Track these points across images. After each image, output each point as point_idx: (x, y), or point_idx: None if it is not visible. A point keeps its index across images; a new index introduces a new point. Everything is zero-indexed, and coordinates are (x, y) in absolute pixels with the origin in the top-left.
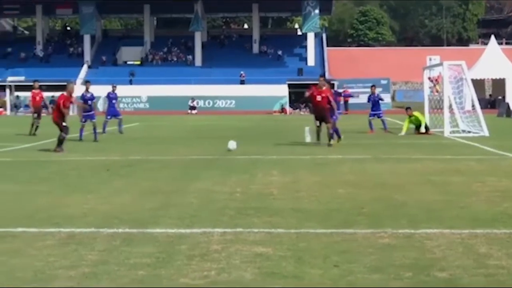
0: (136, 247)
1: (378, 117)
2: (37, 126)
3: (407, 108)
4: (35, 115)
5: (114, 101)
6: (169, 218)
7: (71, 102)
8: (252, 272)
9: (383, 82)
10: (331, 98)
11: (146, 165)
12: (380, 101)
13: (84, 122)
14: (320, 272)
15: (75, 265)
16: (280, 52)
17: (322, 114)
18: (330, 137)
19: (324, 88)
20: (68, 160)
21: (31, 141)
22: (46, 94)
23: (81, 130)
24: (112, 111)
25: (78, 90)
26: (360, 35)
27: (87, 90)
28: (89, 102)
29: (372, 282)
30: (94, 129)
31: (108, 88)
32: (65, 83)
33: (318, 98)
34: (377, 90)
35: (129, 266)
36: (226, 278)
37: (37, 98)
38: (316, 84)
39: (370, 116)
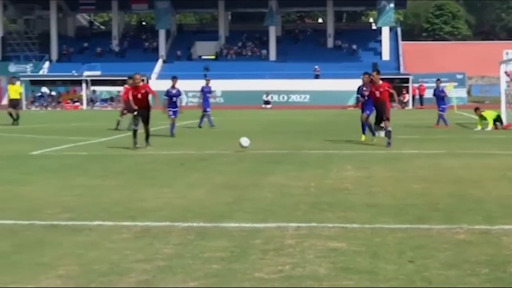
0: (210, 241)
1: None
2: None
3: (476, 109)
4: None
5: (208, 94)
6: (243, 212)
7: (143, 94)
8: (327, 267)
9: (459, 76)
10: (391, 90)
11: (221, 160)
12: (442, 95)
13: (174, 116)
14: (395, 268)
15: (150, 259)
16: (354, 47)
17: (383, 109)
18: (387, 136)
19: (380, 82)
20: (143, 154)
21: (107, 135)
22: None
23: (172, 126)
24: (207, 104)
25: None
26: (435, 29)
27: (173, 86)
28: (174, 98)
29: (447, 278)
30: (173, 125)
31: (184, 83)
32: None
33: (377, 93)
34: (453, 85)
35: (204, 260)
36: (300, 273)
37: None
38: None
39: (440, 111)
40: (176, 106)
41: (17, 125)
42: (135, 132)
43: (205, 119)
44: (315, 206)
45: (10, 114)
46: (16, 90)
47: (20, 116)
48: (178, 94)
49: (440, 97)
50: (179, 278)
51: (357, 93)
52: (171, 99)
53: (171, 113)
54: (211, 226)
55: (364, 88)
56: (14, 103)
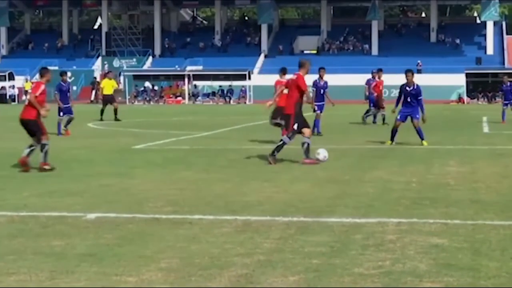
0: (311, 236)
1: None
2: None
3: None
4: None
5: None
6: (344, 207)
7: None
8: (427, 263)
9: None
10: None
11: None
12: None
13: (320, 112)
14: (498, 265)
15: (250, 253)
16: (458, 41)
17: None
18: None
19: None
20: (245, 149)
21: (209, 129)
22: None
23: (317, 122)
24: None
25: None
26: None
27: (321, 77)
28: (322, 91)
29: None
30: (317, 121)
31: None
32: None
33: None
34: None
35: (304, 255)
36: (400, 269)
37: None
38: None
39: (503, 106)
40: (323, 100)
41: (119, 120)
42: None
43: None
44: (417, 202)
45: (102, 112)
46: (111, 85)
47: (118, 111)
48: (326, 86)
49: (508, 92)
50: (279, 272)
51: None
52: (319, 91)
53: (316, 107)
54: (311, 221)
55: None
56: (108, 99)
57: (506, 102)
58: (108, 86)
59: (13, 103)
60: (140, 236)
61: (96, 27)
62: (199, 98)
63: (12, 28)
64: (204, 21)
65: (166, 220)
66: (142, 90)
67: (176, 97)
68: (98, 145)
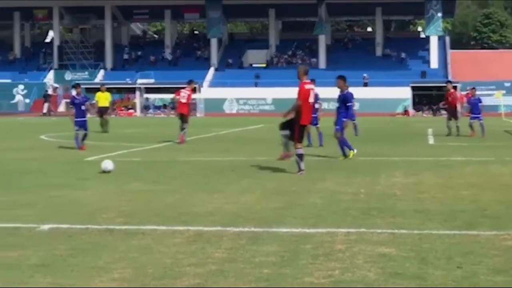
0: (261, 246)
1: (479, 120)
2: None
3: None
4: None
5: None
6: (293, 217)
7: None
8: (376, 272)
9: (507, 84)
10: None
11: (271, 166)
12: (479, 104)
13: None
14: (443, 273)
15: (202, 263)
16: (403, 55)
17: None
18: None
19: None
20: (194, 161)
21: (160, 141)
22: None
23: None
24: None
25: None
26: (483, 38)
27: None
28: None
29: (495, 284)
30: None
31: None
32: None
33: None
34: (502, 93)
35: (255, 264)
36: (350, 278)
37: None
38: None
39: (471, 120)
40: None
41: (107, 132)
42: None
43: None
44: (365, 212)
45: (102, 124)
46: (105, 98)
47: (109, 123)
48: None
49: (475, 105)
50: (230, 282)
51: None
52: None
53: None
54: (262, 231)
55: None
56: (103, 111)
57: (474, 116)
58: (102, 99)
59: None
60: (93, 247)
61: (48, 40)
62: (151, 110)
63: None
64: (154, 35)
65: (119, 231)
66: (93, 103)
67: (128, 109)
68: (50, 157)
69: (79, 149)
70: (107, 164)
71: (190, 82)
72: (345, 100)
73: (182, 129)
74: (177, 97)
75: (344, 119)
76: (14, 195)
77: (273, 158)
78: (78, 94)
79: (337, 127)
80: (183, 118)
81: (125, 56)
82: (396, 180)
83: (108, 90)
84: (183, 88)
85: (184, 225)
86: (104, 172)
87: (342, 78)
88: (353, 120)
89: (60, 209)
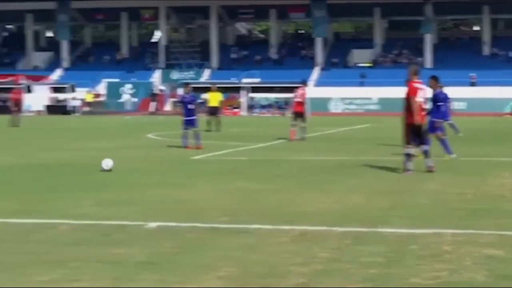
0: (367, 246)
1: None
2: None
3: None
4: None
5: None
6: (399, 218)
7: None
8: (484, 274)
9: None
10: None
11: (377, 165)
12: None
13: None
14: None
15: (307, 262)
16: (511, 54)
17: None
18: None
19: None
20: (300, 160)
21: (266, 140)
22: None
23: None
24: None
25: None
26: None
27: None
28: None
29: None
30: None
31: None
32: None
33: None
34: None
35: (361, 265)
36: (457, 279)
37: None
38: None
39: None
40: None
41: (219, 131)
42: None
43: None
44: (472, 213)
45: (210, 124)
46: (216, 98)
47: (221, 123)
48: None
49: None
50: (336, 281)
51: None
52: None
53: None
54: (367, 231)
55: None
56: (213, 111)
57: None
58: (213, 99)
59: (75, 114)
60: (199, 245)
61: (154, 40)
62: (256, 110)
63: (73, 42)
64: (260, 35)
65: (224, 229)
66: (200, 102)
67: (234, 108)
68: (157, 156)
69: (185, 148)
70: (107, 163)
71: (303, 81)
72: (435, 100)
73: (294, 125)
74: (294, 97)
75: (435, 119)
76: (121, 193)
77: (379, 158)
78: (187, 93)
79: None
80: (299, 117)
81: (233, 56)
82: (505, 181)
83: (220, 90)
84: (298, 87)
85: (289, 225)
86: (104, 170)
87: (433, 78)
88: (447, 120)
89: (167, 207)
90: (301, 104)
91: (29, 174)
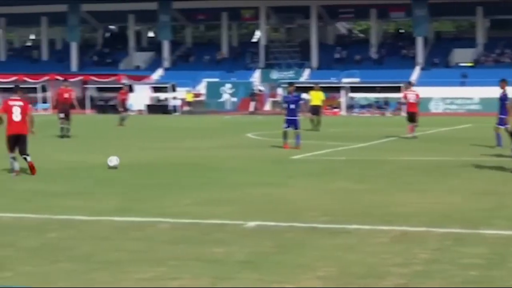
0: (468, 248)
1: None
2: None
3: None
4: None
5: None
6: (502, 219)
7: None
8: None
9: None
10: None
11: (479, 166)
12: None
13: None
14: None
15: (407, 263)
16: None
17: None
18: None
19: None
20: (400, 160)
21: (366, 140)
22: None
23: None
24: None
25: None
26: None
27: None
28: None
29: None
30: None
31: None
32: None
33: None
34: None
35: (461, 266)
36: None
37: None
38: None
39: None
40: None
41: (318, 131)
42: None
43: None
44: None
45: (312, 120)
46: (318, 97)
47: (321, 122)
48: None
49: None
50: (437, 283)
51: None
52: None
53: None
54: (468, 232)
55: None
56: (315, 110)
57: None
58: (315, 98)
59: (175, 114)
60: (298, 244)
61: (254, 40)
62: (355, 109)
63: (174, 42)
64: (360, 34)
65: (323, 229)
66: (305, 102)
67: (333, 108)
68: (256, 155)
69: (284, 147)
70: (113, 160)
71: (409, 82)
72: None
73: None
74: (405, 98)
75: (503, 116)
76: (221, 192)
77: (481, 159)
78: (290, 92)
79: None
80: (412, 117)
81: (336, 56)
82: None
83: (311, 89)
84: (406, 88)
85: (389, 225)
86: (110, 168)
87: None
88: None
89: (266, 207)
90: (414, 105)
91: (130, 172)
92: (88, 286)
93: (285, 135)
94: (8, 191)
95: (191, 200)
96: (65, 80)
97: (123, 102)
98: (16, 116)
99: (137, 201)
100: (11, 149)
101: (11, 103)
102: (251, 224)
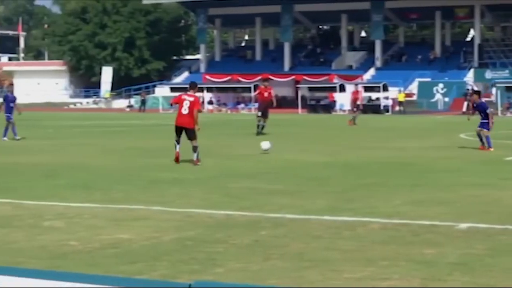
0: None
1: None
2: None
3: None
4: None
5: None
6: None
7: None
8: None
9: None
10: None
11: None
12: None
13: None
14: None
15: None
16: None
17: None
18: None
19: None
20: None
21: None
22: None
23: None
24: None
25: None
26: None
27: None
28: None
29: None
30: None
31: None
32: None
33: None
34: None
35: None
36: None
37: None
38: None
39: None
40: None
41: None
42: None
43: None
44: None
45: None
46: None
47: None
48: None
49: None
50: None
51: None
52: None
53: None
54: None
55: None
56: None
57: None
58: None
59: (386, 113)
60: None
61: (468, 39)
62: None
63: (386, 41)
64: None
65: None
66: None
67: None
68: (469, 156)
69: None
70: (265, 145)
71: None
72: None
73: None
74: None
75: None
76: (434, 193)
77: None
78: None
79: None
80: None
81: None
82: None
83: None
84: None
85: None
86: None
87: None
88: None
89: (479, 209)
90: None
91: (342, 172)
92: (297, 286)
93: (488, 136)
94: (221, 188)
95: (402, 200)
96: (265, 79)
97: (355, 101)
98: (185, 109)
99: (348, 200)
100: (177, 136)
101: (184, 96)
102: (463, 225)
